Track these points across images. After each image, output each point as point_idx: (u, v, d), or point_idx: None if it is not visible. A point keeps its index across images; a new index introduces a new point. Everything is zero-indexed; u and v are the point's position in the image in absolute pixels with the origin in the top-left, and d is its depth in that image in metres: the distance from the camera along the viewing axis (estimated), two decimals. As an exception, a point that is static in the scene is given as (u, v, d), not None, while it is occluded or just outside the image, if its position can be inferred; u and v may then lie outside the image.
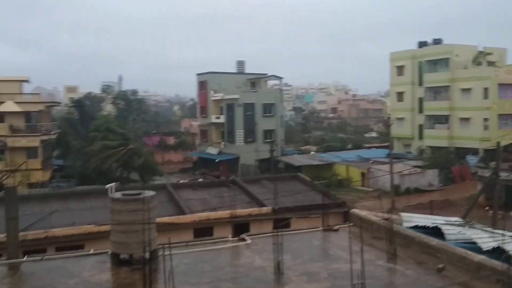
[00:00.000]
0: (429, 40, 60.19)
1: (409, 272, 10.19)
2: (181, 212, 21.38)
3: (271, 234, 13.91)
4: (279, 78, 58.86)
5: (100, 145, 39.36)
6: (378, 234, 12.57)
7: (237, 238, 13.23)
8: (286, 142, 64.50)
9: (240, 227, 19.63)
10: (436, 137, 54.00)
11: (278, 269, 10.10)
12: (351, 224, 14.49)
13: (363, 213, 14.13)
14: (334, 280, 9.78)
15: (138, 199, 10.31)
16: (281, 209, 21.87)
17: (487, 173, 36.25)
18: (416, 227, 13.16)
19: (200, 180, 37.35)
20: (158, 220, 12.78)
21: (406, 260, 10.85)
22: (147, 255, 10.51)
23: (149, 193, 10.92)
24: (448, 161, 46.99)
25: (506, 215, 30.71)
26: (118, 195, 10.84)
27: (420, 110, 57.03)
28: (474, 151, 49.85)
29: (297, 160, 50.05)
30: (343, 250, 12.14)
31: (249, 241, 12.73)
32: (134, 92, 71.69)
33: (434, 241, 11.30)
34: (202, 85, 56.79)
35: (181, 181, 33.56)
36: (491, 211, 31.72)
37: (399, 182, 39.96)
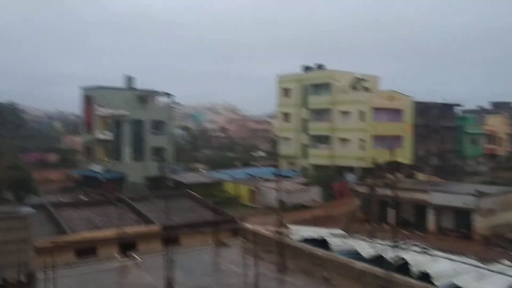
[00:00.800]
0: (312, 65, 63.99)
1: (299, 283, 10.52)
2: (62, 232, 19.91)
3: (161, 251, 13.56)
4: (170, 95, 58.15)
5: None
6: (269, 248, 12.83)
7: (124, 257, 12.66)
8: (175, 160, 63.64)
9: (127, 246, 18.81)
10: (319, 156, 57.09)
11: (169, 286, 9.81)
12: (243, 239, 14.66)
13: (254, 227, 14.37)
14: (227, 294, 9.75)
15: (15, 217, 9.40)
16: (171, 227, 21.37)
17: (363, 190, 39.05)
18: (304, 240, 13.72)
19: (84, 198, 35.18)
20: (37, 240, 11.77)
21: (296, 271, 11.21)
22: (23, 278, 9.59)
23: (26, 210, 10.02)
24: (329, 179, 49.80)
25: (381, 227, 33.22)
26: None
27: (305, 131, 60.00)
28: (352, 169, 53.51)
29: (187, 178, 49.52)
30: (235, 264, 12.20)
31: (137, 259, 12.25)
32: (12, 104, 65.93)
33: (320, 251, 11.85)
34: (88, 100, 53.94)
35: (62, 200, 31.30)
36: (366, 224, 34.16)
37: (286, 198, 41.37)
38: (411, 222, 34.35)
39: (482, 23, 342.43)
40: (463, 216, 32.40)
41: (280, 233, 12.78)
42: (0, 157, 37.50)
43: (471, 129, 73.74)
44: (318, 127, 58.29)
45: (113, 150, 51.74)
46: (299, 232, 14.79)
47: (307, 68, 63.27)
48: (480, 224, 31.64)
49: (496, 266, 11.76)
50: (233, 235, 19.72)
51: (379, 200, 31.61)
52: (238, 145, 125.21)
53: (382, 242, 13.84)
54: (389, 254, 11.82)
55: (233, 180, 49.68)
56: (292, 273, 11.02)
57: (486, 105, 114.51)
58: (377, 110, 55.12)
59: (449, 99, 70.07)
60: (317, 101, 58.68)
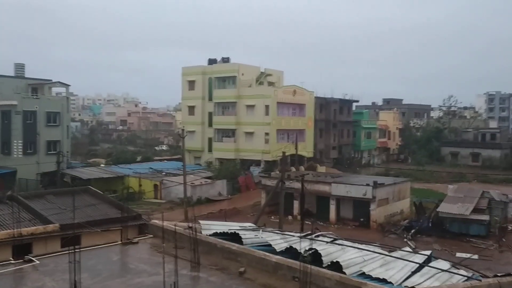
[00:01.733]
0: (219, 58, 63.80)
1: (213, 279, 10.26)
2: None
3: (62, 252, 12.55)
4: (66, 85, 54.54)
5: None
6: (180, 244, 12.40)
7: (20, 260, 11.50)
8: (72, 154, 60.04)
9: (22, 249, 17.25)
10: (224, 149, 57.19)
11: (74, 290, 9.03)
12: (151, 235, 14.07)
13: (162, 223, 13.82)
14: (137, 295, 9.20)
15: None
16: (70, 225, 19.97)
17: (269, 182, 39.80)
18: (215, 234, 13.45)
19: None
20: None
21: (210, 267, 10.93)
22: None
23: None
24: (234, 172, 50.12)
25: (287, 219, 34.12)
26: None
27: (210, 124, 59.70)
28: (257, 162, 54.35)
29: (85, 173, 46.85)
30: (144, 263, 11.63)
31: (36, 262, 11.18)
32: None
33: (234, 246, 11.67)
34: (-30, 88, 48.87)
35: None
36: (272, 217, 34.91)
37: (191, 193, 40.86)
38: (315, 213, 35.70)
39: (380, 24, 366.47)
40: (361, 206, 34.33)
41: (191, 228, 12.41)
42: None
43: (366, 123, 78.52)
44: (223, 121, 58.33)
45: (1, 143, 47.46)
46: (210, 227, 14.49)
47: (212, 61, 62.94)
48: (376, 213, 33.73)
49: (399, 253, 12.44)
50: (140, 232, 18.94)
51: (284, 192, 32.29)
52: (140, 138, 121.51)
53: (293, 234, 14.05)
54: (301, 245, 12.00)
55: (136, 175, 48.04)
56: (205, 269, 10.72)
57: (380, 102, 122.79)
58: (281, 104, 56.48)
59: (347, 96, 73.98)
60: (223, 94, 58.67)
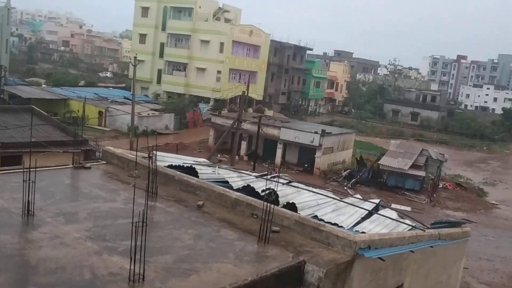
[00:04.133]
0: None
1: (171, 210, 10.21)
2: None
3: (12, 171, 11.99)
4: (6, -5, 50.38)
5: None
6: (135, 173, 12.15)
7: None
8: (9, 71, 56.50)
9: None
10: (174, 83, 55.90)
11: (27, 211, 8.69)
12: (104, 162, 13.68)
13: (119, 151, 13.44)
14: (95, 220, 8.99)
15: None
16: (12, 144, 19.10)
17: (217, 121, 39.66)
18: (170, 167, 13.29)
19: None
20: None
21: (167, 198, 10.84)
22: None
23: None
24: (182, 107, 49.37)
25: (234, 158, 34.36)
26: None
27: (161, 55, 57.78)
28: (206, 100, 53.75)
29: (26, 92, 44.41)
30: (99, 188, 11.35)
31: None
32: None
33: (193, 179, 11.60)
34: None
35: None
36: (219, 155, 35.07)
37: (137, 123, 40.01)
38: (261, 155, 36.19)
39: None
40: (307, 152, 35.16)
41: (149, 157, 12.15)
42: None
43: (317, 73, 79.16)
44: (175, 53, 56.65)
45: None
46: (165, 158, 14.29)
47: (169, -11, 60.04)
48: (320, 160, 34.73)
49: (350, 199, 12.92)
50: (86, 158, 18.44)
51: (231, 132, 32.36)
52: (83, 62, 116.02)
53: (249, 173, 14.16)
54: (258, 184, 12.14)
55: (80, 99, 46.14)
56: (163, 200, 10.63)
57: (331, 52, 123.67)
58: (237, 43, 55.44)
59: (301, 42, 73.73)
60: (177, 26, 56.60)
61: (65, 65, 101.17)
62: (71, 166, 12.77)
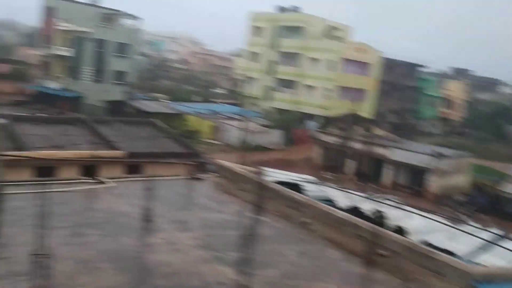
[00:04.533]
0: (288, 6, 62.35)
1: (277, 225, 10.38)
2: (19, 147, 18.90)
3: (133, 178, 13.06)
4: (137, 18, 55.28)
5: None
6: (244, 186, 12.56)
7: (95, 181, 12.06)
8: (137, 86, 61.64)
9: (88, 170, 18.13)
10: (282, 100, 56.93)
11: (148, 217, 9.38)
12: (216, 174, 14.32)
13: (229, 164, 14.01)
14: (206, 229, 9.46)
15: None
16: (136, 154, 20.78)
17: (324, 138, 39.50)
18: (276, 182, 13.51)
19: (42, 115, 33.53)
20: None
21: (273, 213, 11.03)
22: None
23: (-4, 120, 9.13)
24: (290, 124, 50.00)
25: (341, 177, 33.94)
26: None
27: (271, 73, 59.23)
28: (314, 117, 53.85)
29: (148, 106, 48.19)
30: (209, 199, 11.92)
31: (110, 184, 11.69)
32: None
33: (299, 196, 11.69)
34: (49, 12, 50.35)
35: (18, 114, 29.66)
36: (325, 173, 34.82)
37: (247, 138, 41.26)
38: (368, 174, 35.27)
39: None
40: (418, 174, 33.54)
41: (258, 172, 12.48)
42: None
43: (430, 91, 75.43)
44: (285, 71, 57.69)
45: (72, 68, 49.27)
46: (272, 174, 14.57)
47: (282, 9, 61.58)
48: (434, 183, 32.89)
49: (466, 227, 12.07)
50: (199, 169, 19.41)
51: (339, 150, 31.97)
52: (199, 79, 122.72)
53: (357, 193, 13.90)
54: (365, 205, 11.86)
55: (194, 113, 48.89)
56: (269, 215, 10.84)
57: (446, 69, 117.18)
58: (346, 61, 54.93)
59: (411, 58, 70.82)
60: (288, 44, 57.66)
61: (182, 82, 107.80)
62: (186, 177, 13.57)
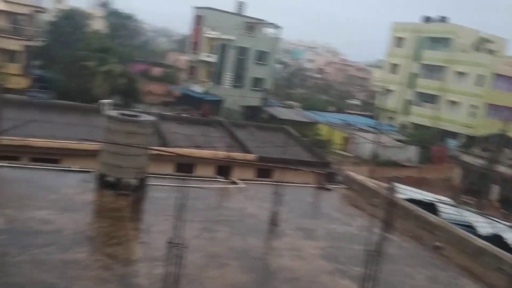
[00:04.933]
0: (434, 16, 59.13)
1: (406, 245, 9.85)
2: (164, 144, 20.63)
3: (264, 182, 13.41)
4: (278, 27, 57.05)
5: (89, 64, 37.61)
6: (373, 201, 12.14)
7: (228, 181, 12.64)
8: (273, 93, 63.50)
9: (223, 170, 19.06)
10: (421, 115, 54.03)
11: (274, 222, 9.56)
12: (344, 186, 14.09)
13: (360, 177, 13.68)
14: (331, 240, 9.33)
15: (138, 122, 9.43)
16: (267, 159, 21.37)
17: (466, 159, 36.58)
18: (409, 200, 12.82)
19: (186, 115, 36.33)
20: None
21: (402, 232, 10.49)
22: (137, 182, 9.81)
23: (147, 117, 10.05)
24: (429, 140, 47.21)
25: (486, 203, 31.14)
26: (114, 113, 9.93)
27: (411, 86, 56.66)
28: (456, 135, 50.20)
29: (282, 113, 49.33)
30: (336, 210, 11.75)
31: (241, 185, 12.16)
32: (129, 16, 68.81)
33: (432, 217, 10.96)
34: (198, 20, 54.48)
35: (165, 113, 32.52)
36: (464, 197, 32.15)
37: (380, 153, 39.94)
38: (515, 202, 31.76)
39: None
40: None
41: (389, 188, 11.98)
42: (117, 63, 39.38)
43: None
44: (427, 84, 54.69)
45: (215, 73, 52.48)
46: (405, 191, 13.86)
47: (427, 19, 58.61)
48: None
49: None
50: (328, 179, 19.24)
51: (483, 172, 29.41)
52: (334, 89, 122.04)
53: (500, 221, 12.62)
54: (509, 235, 10.70)
55: (327, 123, 48.72)
56: (398, 234, 10.32)
57: None
58: (500, 76, 50.21)
59: None
60: (432, 56, 54.58)
61: (318, 91, 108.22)
62: (314, 186, 13.56)
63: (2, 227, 7.18)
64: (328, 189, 13.53)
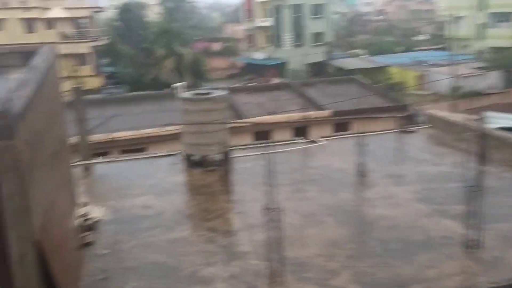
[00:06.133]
0: None
1: (506, 175, 9.38)
2: (239, 115, 20.95)
3: (344, 135, 13.28)
4: (329, -24, 55.04)
5: (152, 52, 38.86)
6: (462, 136, 11.60)
7: (307, 140, 12.64)
8: (334, 45, 61.78)
9: (300, 131, 19.08)
10: (499, 36, 50.03)
11: (362, 172, 9.47)
12: (429, 125, 13.57)
13: (443, 113, 13.11)
14: (424, 182, 9.09)
15: (212, 99, 9.66)
16: (342, 112, 21.05)
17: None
18: (501, 129, 12.10)
19: (253, 84, 36.55)
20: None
21: (500, 163, 9.97)
22: (221, 156, 10.12)
23: (220, 92, 10.25)
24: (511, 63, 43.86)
25: None
26: (188, 95, 10.23)
27: (482, 7, 52.51)
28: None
29: (348, 63, 48.00)
30: (424, 152, 11.39)
31: (322, 143, 12.11)
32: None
33: (531, 143, 10.31)
34: (247, -14, 53.95)
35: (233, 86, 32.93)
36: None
37: (459, 84, 37.81)
38: None
39: None
40: None
41: (478, 119, 11.36)
42: (179, 46, 40.24)
43: None
44: (500, 3, 50.41)
45: (274, 36, 51.96)
46: (495, 120, 13.08)
47: None
48: None
49: None
50: (409, 122, 18.61)
51: None
52: (398, 29, 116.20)
53: None
54: None
55: (397, 65, 46.80)
56: (496, 165, 9.81)
57: None
58: None
59: None
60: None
61: (381, 34, 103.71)
62: (396, 130, 13.19)
63: (110, 217, 7.75)
64: (411, 132, 13.12)
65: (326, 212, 7.83)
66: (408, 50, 62.66)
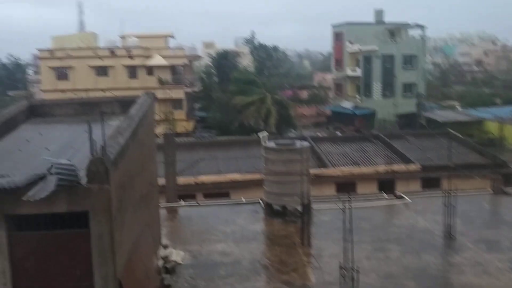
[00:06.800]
0: None
1: None
2: (323, 165, 20.76)
3: (432, 193, 12.69)
4: (421, 27, 54.06)
5: (241, 99, 40.23)
6: None
7: (392, 196, 12.24)
8: (427, 97, 59.96)
9: (386, 185, 18.44)
10: None
11: (449, 234, 8.94)
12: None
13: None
14: (520, 251, 8.36)
15: (294, 150, 9.76)
16: (431, 168, 20.10)
17: None
18: None
19: (339, 134, 36.29)
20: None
21: None
22: (301, 207, 10.08)
23: (303, 143, 10.34)
24: None
25: None
26: (272, 144, 10.43)
27: None
28: None
29: (441, 115, 46.02)
30: (521, 217, 10.53)
31: (406, 200, 11.65)
32: (275, 48, 72.32)
33: None
34: (338, 37, 54.49)
35: (319, 135, 32.89)
36: None
37: None
38: None
39: None
40: None
41: None
42: (266, 94, 41.35)
43: None
44: None
45: (363, 86, 51.64)
46: None
47: None
48: None
49: None
50: (506, 182, 17.36)
51: None
52: (497, 79, 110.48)
53: None
54: None
55: (496, 119, 44.07)
56: None
57: None
58: None
59: None
60: None
61: (478, 85, 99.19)
62: (491, 191, 12.37)
63: (190, 262, 7.96)
64: (507, 194, 12.22)
65: (408, 275, 7.45)
66: (508, 102, 59.02)
